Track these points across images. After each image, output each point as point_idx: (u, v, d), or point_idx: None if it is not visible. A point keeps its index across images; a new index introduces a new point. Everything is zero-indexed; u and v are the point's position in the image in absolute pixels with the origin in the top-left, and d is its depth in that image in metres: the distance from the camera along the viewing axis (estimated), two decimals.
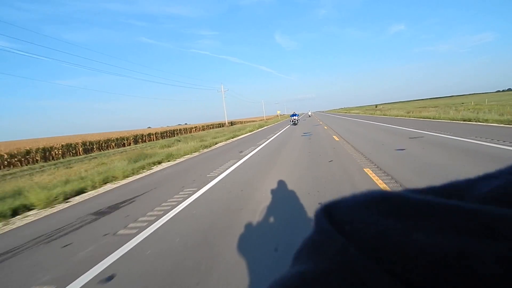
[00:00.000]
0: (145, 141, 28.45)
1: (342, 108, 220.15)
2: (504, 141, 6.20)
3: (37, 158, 17.39)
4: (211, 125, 56.77)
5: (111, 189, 5.64)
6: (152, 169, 7.75)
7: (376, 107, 77.90)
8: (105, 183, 6.26)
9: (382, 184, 3.82)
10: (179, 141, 20.19)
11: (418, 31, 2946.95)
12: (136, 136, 27.76)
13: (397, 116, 23.28)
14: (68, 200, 5.09)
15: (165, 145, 16.69)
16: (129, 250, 2.59)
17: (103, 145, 22.68)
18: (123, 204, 4.27)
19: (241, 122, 73.22)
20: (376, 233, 0.14)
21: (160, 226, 3.11)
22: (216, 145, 13.47)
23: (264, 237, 2.52)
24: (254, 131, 22.26)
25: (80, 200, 4.99)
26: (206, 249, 2.42)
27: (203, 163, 7.61)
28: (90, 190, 5.69)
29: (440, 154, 5.44)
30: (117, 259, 2.42)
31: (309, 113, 54.78)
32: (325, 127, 17.07)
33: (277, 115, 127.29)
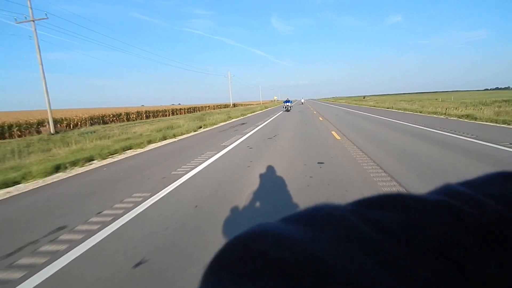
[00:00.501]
0: (177, 114, 37.75)
1: (333, 97, 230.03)
2: (390, 118, 16.02)
3: (123, 118, 26.60)
4: (219, 105, 65.74)
5: (230, 122, 15.26)
6: (230, 120, 17.30)
7: (364, 98, 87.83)
8: (224, 122, 15.78)
9: (321, 119, 13.55)
10: (204, 115, 29.42)
11: (415, 23, 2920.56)
12: (173, 110, 37.25)
13: (365, 105, 33.17)
14: (217, 124, 14.71)
15: (200, 116, 25.80)
16: (253, 133, 12.26)
17: (154, 113, 32.07)
18: (243, 124, 13.90)
19: (241, 105, 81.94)
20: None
21: (263, 126, 12.75)
22: (247, 115, 23.01)
23: (292, 119, 12.22)
24: (264, 110, 31.83)
25: (223, 124, 14.58)
26: (279, 123, 12.09)
27: (255, 119, 17.18)
28: (221, 123, 15.25)
29: (353, 118, 15.20)
30: (250, 134, 12.09)
31: (302, 100, 55.44)
32: (312, 109, 26.84)
33: (273, 100, 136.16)
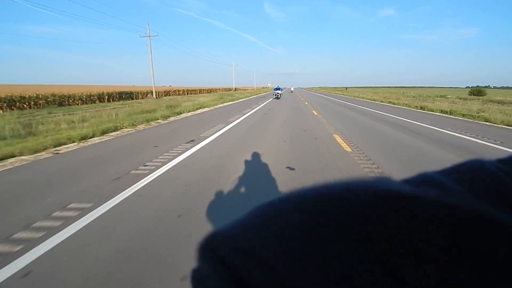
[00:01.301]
0: (202, 93, 50.54)
1: (319, 87, 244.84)
2: (336, 98, 29.76)
3: (171, 94, 39.46)
4: (225, 88, 78.26)
5: (256, 96, 28.66)
6: (254, 96, 30.59)
7: (346, 89, 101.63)
8: (251, 96, 29.07)
9: (302, 99, 27.10)
10: (222, 95, 42.45)
11: (408, 18, 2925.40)
12: (200, 90, 50.17)
13: (336, 93, 46.97)
14: (250, 97, 28.13)
15: (225, 94, 38.76)
16: (269, 101, 25.71)
17: (188, 92, 45.04)
18: (262, 96, 27.28)
19: (240, 89, 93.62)
20: (258, 263, 0.13)
21: (266, 104, 26.18)
22: (260, 94, 36.26)
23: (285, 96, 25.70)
24: (267, 92, 45.06)
25: (252, 97, 27.92)
26: (282, 95, 25.53)
27: (268, 95, 30.58)
28: (251, 96, 28.58)
29: (319, 98, 28.84)
30: (272, 99, 25.56)
31: (292, 89, 56.26)
32: (299, 95, 40.41)
33: (267, 87, 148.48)
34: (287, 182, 3.26)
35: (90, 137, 6.22)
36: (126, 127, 7.66)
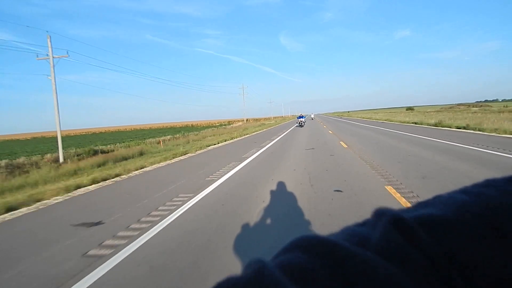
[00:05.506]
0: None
1: (334, 112, 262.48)
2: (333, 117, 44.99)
3: (218, 124, 55.67)
4: (258, 119, 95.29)
5: (286, 121, 44.42)
6: (285, 122, 46.36)
7: (348, 112, 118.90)
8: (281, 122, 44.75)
9: (322, 125, 42.49)
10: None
11: (425, 36, 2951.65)
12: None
13: (338, 115, 62.18)
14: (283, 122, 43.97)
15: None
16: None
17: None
18: (289, 123, 42.96)
19: (257, 120, 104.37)
20: None
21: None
22: (287, 121, 52.01)
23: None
24: (290, 120, 60.89)
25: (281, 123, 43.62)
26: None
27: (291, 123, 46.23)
28: (283, 122, 44.32)
29: (325, 120, 44.20)
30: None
31: (312, 116, 56.83)
32: (318, 120, 55.76)
33: (283, 117, 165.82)
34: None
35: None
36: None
